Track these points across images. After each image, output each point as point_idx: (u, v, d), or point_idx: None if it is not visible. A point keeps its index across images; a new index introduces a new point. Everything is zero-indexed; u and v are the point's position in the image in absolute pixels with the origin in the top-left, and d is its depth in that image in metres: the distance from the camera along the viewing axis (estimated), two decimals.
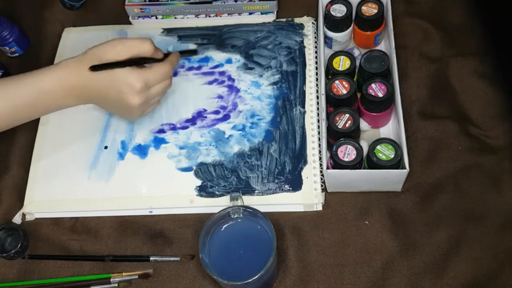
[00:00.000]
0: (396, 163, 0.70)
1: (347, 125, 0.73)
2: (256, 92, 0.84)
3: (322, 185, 0.76)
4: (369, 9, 0.81)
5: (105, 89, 0.71)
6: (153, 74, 0.72)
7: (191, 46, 0.90)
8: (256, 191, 0.77)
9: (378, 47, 0.85)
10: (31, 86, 0.71)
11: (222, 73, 0.87)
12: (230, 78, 0.86)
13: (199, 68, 0.88)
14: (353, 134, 0.74)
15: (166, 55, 0.75)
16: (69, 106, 0.75)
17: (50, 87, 0.71)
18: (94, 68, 0.70)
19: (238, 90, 0.85)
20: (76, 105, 0.75)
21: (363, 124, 0.78)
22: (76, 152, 0.82)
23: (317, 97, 0.82)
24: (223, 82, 0.86)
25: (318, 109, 0.81)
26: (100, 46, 0.71)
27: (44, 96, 0.71)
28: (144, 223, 0.77)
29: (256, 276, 0.62)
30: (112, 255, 0.75)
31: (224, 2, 0.90)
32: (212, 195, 0.77)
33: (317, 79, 0.84)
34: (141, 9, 0.92)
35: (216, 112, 0.83)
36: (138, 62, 0.72)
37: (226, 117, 0.83)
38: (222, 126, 0.82)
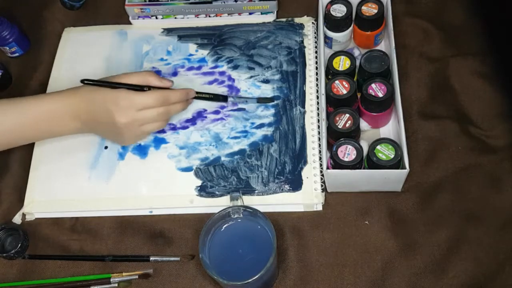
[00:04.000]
0: (396, 163, 0.70)
1: (347, 125, 0.73)
2: (256, 92, 0.84)
3: (322, 185, 0.76)
4: (369, 9, 0.81)
5: (97, 109, 0.73)
6: (144, 98, 0.73)
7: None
8: (256, 191, 0.77)
9: (378, 47, 0.85)
10: (36, 106, 0.73)
11: (222, 73, 0.87)
12: (230, 78, 0.86)
13: (199, 68, 0.88)
14: (353, 134, 0.74)
15: (181, 89, 0.77)
16: (71, 131, 0.77)
17: (52, 107, 0.73)
18: (84, 81, 0.73)
19: (238, 90, 0.85)
20: (77, 131, 0.77)
21: (363, 124, 0.78)
22: (76, 152, 0.82)
23: (317, 97, 0.82)
24: (223, 82, 0.86)
25: (318, 109, 0.81)
26: (110, 76, 0.75)
27: (47, 116, 0.73)
28: (144, 223, 0.77)
29: (256, 276, 0.62)
30: (112, 255, 0.75)
31: (224, 2, 0.90)
32: (212, 195, 0.77)
33: (317, 79, 0.84)
34: (141, 9, 0.92)
35: (216, 112, 0.83)
36: (136, 87, 0.73)
37: (226, 117, 0.83)
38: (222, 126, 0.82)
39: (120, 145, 0.81)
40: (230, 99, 0.82)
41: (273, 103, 0.83)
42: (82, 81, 0.74)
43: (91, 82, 0.74)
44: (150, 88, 0.74)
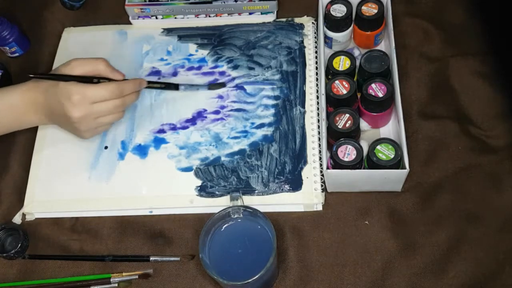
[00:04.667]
0: (396, 163, 0.70)
1: (347, 125, 0.73)
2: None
3: (322, 185, 0.76)
4: (369, 9, 0.81)
5: (52, 102, 0.73)
6: (96, 90, 0.72)
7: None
8: (256, 191, 0.77)
9: (378, 47, 0.85)
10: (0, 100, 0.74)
11: (222, 73, 0.87)
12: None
13: (199, 68, 0.88)
14: (353, 134, 0.74)
15: (134, 80, 0.77)
16: (32, 124, 0.78)
17: (14, 101, 0.74)
18: (32, 74, 0.74)
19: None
20: (41, 123, 0.78)
21: (363, 124, 0.78)
22: (76, 152, 0.82)
23: (317, 97, 0.82)
24: None
25: (318, 109, 0.81)
26: (61, 65, 0.75)
27: (9, 110, 0.74)
28: (144, 223, 0.77)
29: (256, 276, 0.62)
30: (112, 255, 0.75)
31: (224, 2, 0.90)
32: (212, 195, 0.77)
33: (317, 79, 0.84)
34: (141, 9, 0.92)
35: (216, 112, 0.83)
36: (85, 79, 0.73)
37: (226, 117, 0.83)
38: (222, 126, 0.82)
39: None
40: (181, 87, 0.83)
41: (224, 87, 0.84)
42: (29, 75, 0.73)
43: (37, 76, 0.74)
44: (99, 80, 0.74)
